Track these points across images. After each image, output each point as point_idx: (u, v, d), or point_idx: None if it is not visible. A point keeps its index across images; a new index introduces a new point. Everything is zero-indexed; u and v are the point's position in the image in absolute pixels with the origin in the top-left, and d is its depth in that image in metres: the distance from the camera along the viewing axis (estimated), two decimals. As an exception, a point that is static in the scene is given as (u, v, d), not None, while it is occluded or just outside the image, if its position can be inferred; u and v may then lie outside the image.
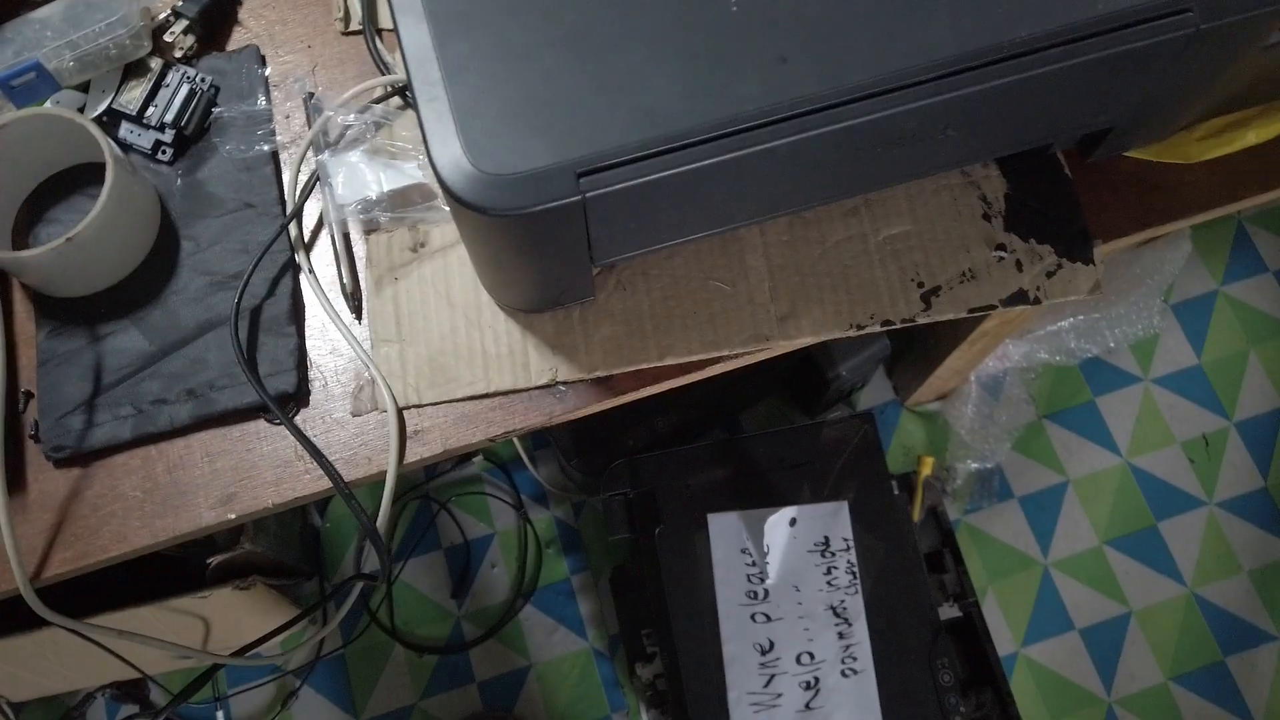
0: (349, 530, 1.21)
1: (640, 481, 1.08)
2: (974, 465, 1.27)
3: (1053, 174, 0.58)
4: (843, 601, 1.02)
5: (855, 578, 1.03)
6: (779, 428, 1.09)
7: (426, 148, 0.45)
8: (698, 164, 0.44)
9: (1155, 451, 1.29)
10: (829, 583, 1.03)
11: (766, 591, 1.02)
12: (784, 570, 1.03)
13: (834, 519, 1.06)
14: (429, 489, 1.23)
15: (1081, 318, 1.25)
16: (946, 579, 1.14)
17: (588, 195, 0.44)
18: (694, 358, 0.56)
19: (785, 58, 0.45)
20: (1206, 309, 1.34)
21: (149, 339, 0.56)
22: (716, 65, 0.45)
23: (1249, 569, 1.23)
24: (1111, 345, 1.29)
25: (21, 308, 0.57)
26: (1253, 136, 0.55)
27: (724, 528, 1.05)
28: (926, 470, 1.18)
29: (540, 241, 0.47)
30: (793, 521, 1.06)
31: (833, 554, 1.05)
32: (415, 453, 0.54)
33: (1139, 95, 0.50)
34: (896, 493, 1.08)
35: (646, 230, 0.50)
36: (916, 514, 1.16)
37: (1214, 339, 1.33)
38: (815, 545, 1.05)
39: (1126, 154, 0.58)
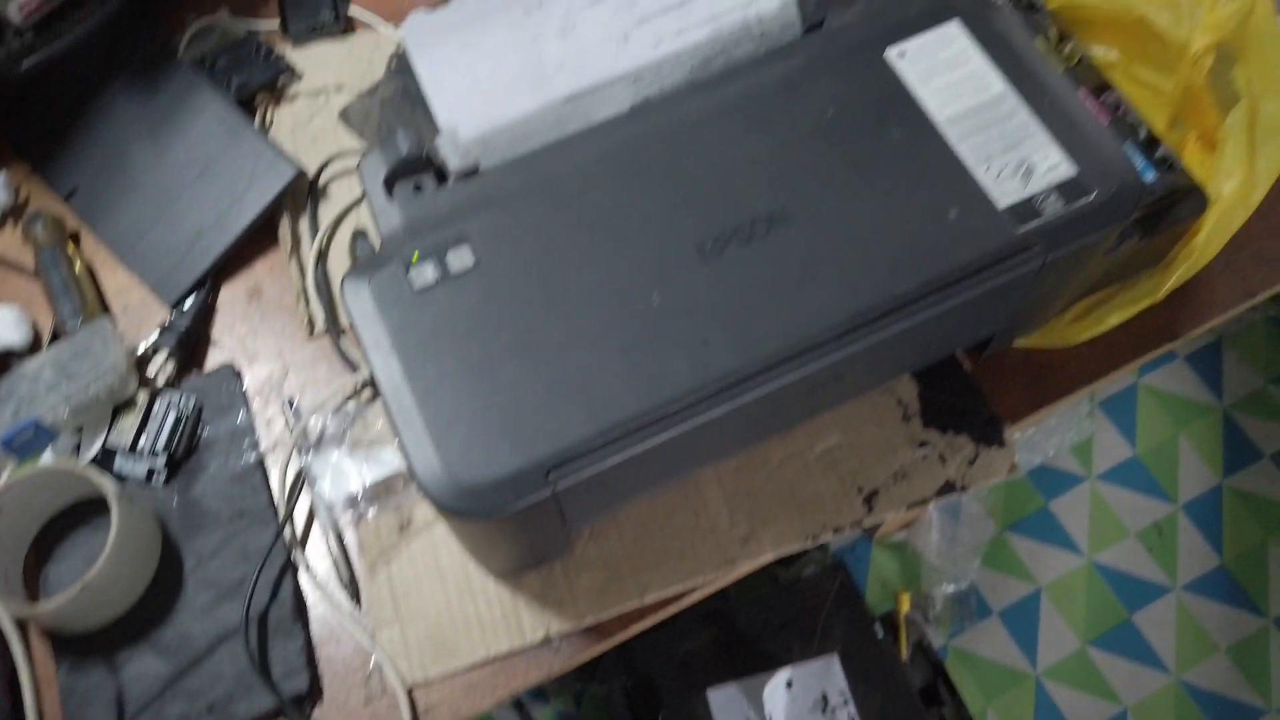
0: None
1: (635, 667, 1.10)
2: (949, 588, 1.32)
3: (955, 371, 0.66)
4: (850, 757, 1.05)
5: (858, 730, 1.06)
6: (759, 594, 1.14)
7: (409, 465, 0.50)
8: (648, 444, 0.50)
9: (1114, 545, 1.35)
10: (834, 739, 1.06)
11: (776, 761, 1.04)
12: (789, 735, 1.06)
13: (828, 674, 1.09)
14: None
15: (1018, 435, 1.33)
16: (945, 711, 1.17)
17: (558, 488, 0.49)
18: (672, 591, 0.61)
19: (707, 340, 0.52)
20: (1131, 402, 1.44)
21: (165, 660, 0.59)
22: (650, 355, 0.52)
23: (1226, 646, 1.28)
24: (1051, 453, 1.37)
25: (39, 647, 0.61)
26: (1115, 319, 0.64)
27: (725, 701, 1.08)
28: (905, 607, 1.22)
29: (520, 528, 0.53)
30: (789, 683, 1.09)
31: (833, 710, 1.08)
32: (429, 729, 0.58)
33: (1008, 312, 0.58)
34: (881, 636, 1.12)
35: (612, 499, 0.56)
36: (904, 652, 1.19)
37: (1144, 429, 1.42)
38: (815, 704, 1.08)
39: (1014, 345, 0.66)
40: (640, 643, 1.11)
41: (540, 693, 1.27)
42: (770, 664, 1.10)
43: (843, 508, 0.62)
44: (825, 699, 1.07)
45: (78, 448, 0.65)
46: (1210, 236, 0.61)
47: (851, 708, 1.07)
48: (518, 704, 1.25)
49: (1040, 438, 1.33)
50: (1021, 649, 1.30)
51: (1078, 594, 1.33)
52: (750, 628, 1.13)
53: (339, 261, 0.72)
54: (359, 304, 0.53)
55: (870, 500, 0.63)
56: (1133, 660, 1.28)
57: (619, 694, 1.10)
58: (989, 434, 0.64)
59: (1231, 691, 1.25)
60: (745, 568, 0.62)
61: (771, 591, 1.18)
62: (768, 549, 0.62)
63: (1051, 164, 0.55)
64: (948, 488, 0.63)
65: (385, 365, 0.52)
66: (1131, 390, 1.44)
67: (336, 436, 0.64)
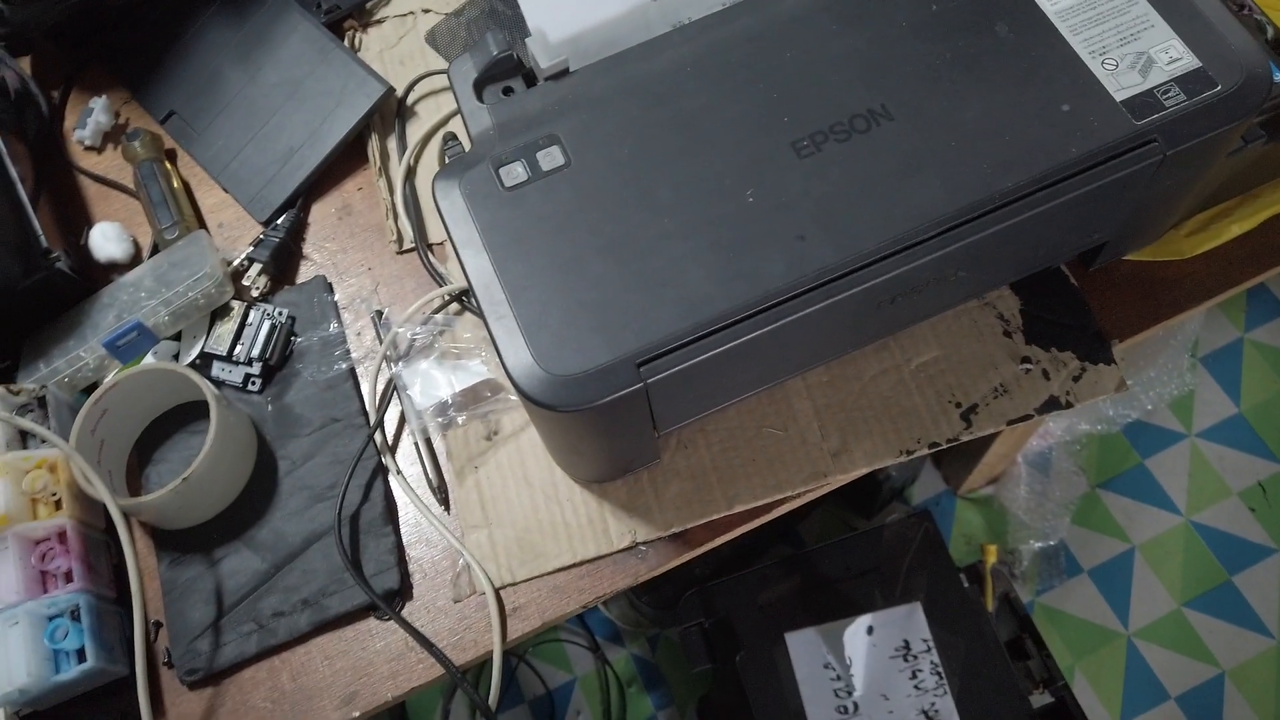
0: (432, 694, 1.23)
1: (713, 609, 1.10)
2: (1037, 545, 1.28)
3: (1061, 285, 0.63)
4: (933, 704, 1.03)
5: (941, 678, 1.03)
6: (840, 537, 1.12)
7: (501, 360, 0.50)
8: (740, 340, 0.49)
9: (1214, 505, 1.29)
10: (916, 686, 1.04)
11: (856, 704, 1.03)
12: (870, 680, 1.04)
13: (910, 621, 1.07)
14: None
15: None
16: (1032, 665, 1.14)
17: (649, 381, 0.49)
18: (760, 502, 0.60)
19: (803, 235, 0.50)
20: (1235, 357, 1.37)
21: (261, 557, 0.61)
22: (744, 251, 0.50)
23: (1334, 612, 1.22)
24: (1149, 407, 1.32)
25: (142, 543, 0.63)
26: (1236, 229, 0.60)
27: (804, 645, 1.07)
28: (992, 558, 1.19)
29: (610, 425, 0.52)
30: (870, 629, 1.07)
31: (915, 657, 1.05)
32: (516, 629, 0.58)
33: (1123, 215, 0.55)
34: (966, 585, 1.09)
35: (702, 399, 0.55)
36: (990, 604, 1.16)
37: (1249, 386, 1.35)
38: (896, 650, 1.06)
39: (1125, 257, 0.63)
40: (720, 586, 1.10)
41: (616, 636, 1.27)
42: (850, 610, 1.08)
43: (940, 422, 0.60)
44: (907, 645, 1.05)
45: (177, 356, 0.67)
46: (1345, 139, 0.57)
47: (934, 655, 1.04)
48: (594, 646, 1.26)
49: (1138, 391, 1.28)
50: (1113, 608, 1.25)
51: (1174, 554, 1.28)
52: (830, 574, 1.11)
53: (427, 179, 0.72)
54: (449, 202, 0.53)
55: (969, 415, 0.60)
56: (1232, 623, 1.23)
57: (696, 635, 1.09)
58: (1096, 351, 0.61)
59: (1340, 657, 1.19)
60: (836, 481, 0.60)
61: (853, 537, 1.16)
62: (860, 464, 0.60)
63: (1173, 56, 0.52)
64: (1051, 404, 0.60)
65: (476, 262, 0.52)
66: (1237, 345, 1.37)
67: (425, 347, 0.65)
